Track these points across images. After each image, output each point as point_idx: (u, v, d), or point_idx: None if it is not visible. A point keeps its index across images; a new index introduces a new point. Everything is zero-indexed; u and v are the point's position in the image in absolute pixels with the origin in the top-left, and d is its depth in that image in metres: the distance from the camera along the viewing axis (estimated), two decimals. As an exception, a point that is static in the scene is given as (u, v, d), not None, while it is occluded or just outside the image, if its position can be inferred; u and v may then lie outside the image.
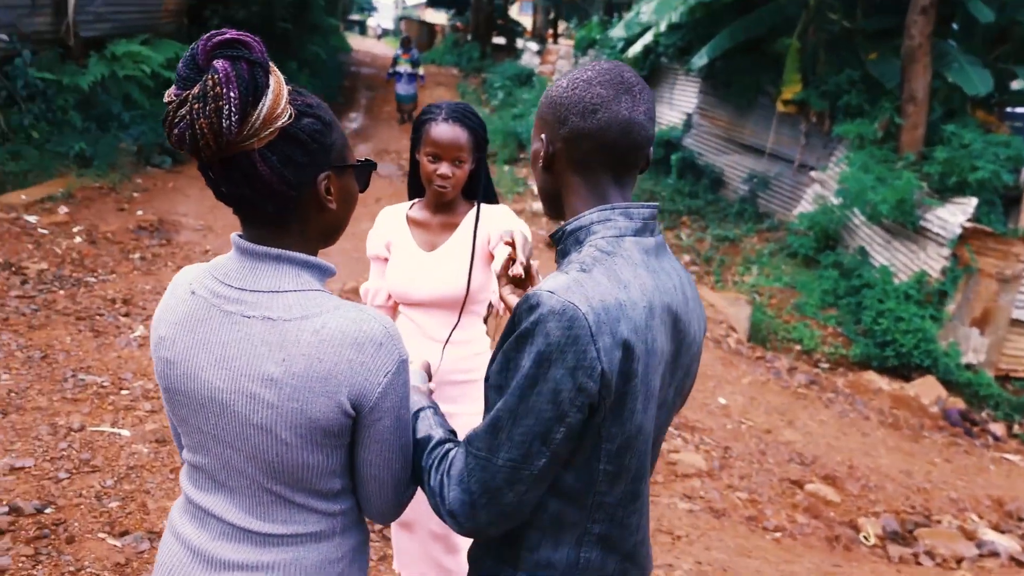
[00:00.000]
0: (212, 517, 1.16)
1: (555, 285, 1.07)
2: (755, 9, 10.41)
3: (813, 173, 10.08)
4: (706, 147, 11.85)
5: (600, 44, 13.63)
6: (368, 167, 1.22)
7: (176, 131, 1.00)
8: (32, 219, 6.72)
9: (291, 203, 1.10)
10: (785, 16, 10.24)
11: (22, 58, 7.91)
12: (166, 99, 1.02)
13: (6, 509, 2.99)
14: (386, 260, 2.21)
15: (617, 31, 11.17)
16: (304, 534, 1.16)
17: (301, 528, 1.15)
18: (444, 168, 2.04)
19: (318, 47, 14.02)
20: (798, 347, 7.77)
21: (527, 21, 32.64)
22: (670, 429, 5.20)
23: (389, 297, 2.24)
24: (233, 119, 0.98)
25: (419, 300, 2.14)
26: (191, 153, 1.02)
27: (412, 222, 2.18)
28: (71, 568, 2.75)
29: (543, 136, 1.21)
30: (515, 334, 1.08)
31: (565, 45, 18.30)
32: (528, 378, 1.05)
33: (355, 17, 54.95)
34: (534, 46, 22.89)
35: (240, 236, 1.13)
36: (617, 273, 1.10)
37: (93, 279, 5.74)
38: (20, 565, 2.74)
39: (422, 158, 2.07)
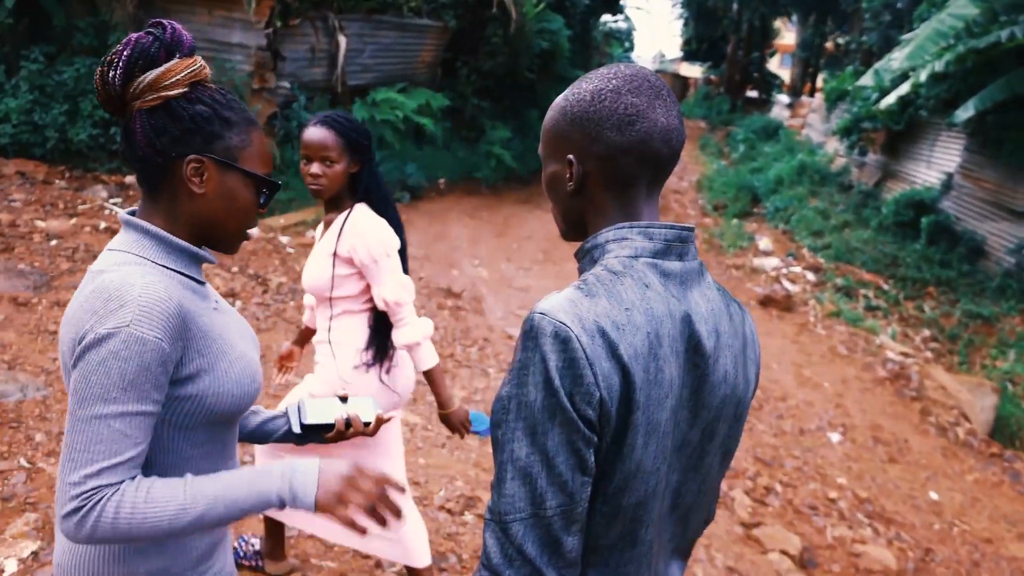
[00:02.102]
0: None
1: (548, 306, 1.00)
2: (1041, 57, 9.10)
3: (1103, 248, 8.50)
4: (966, 211, 10.50)
5: (852, 95, 12.72)
6: (264, 183, 1.25)
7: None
8: (284, 239, 7.75)
9: (159, 173, 1.19)
10: (1081, 66, 8.82)
11: (299, 103, 9.23)
12: None
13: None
14: None
15: (865, 79, 10.32)
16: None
17: None
18: (314, 168, 2.24)
19: (561, 97, 14.65)
20: (1057, 451, 6.52)
21: (787, 75, 31.48)
22: (859, 516, 4.62)
23: None
24: (117, 72, 1.13)
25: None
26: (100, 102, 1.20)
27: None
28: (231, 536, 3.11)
29: (570, 157, 1.10)
30: (516, 368, 1.00)
31: (820, 98, 17.35)
32: (545, 410, 0.96)
33: (614, 71, 56.80)
34: (785, 99, 22.01)
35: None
36: (620, 294, 1.02)
37: (318, 294, 6.47)
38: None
39: (301, 162, 2.30)
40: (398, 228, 2.37)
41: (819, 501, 4.71)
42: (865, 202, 11.85)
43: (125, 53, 1.13)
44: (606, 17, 26.71)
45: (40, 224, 6.41)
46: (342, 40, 9.41)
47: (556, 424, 0.95)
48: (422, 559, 2.61)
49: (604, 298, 1.00)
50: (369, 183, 2.33)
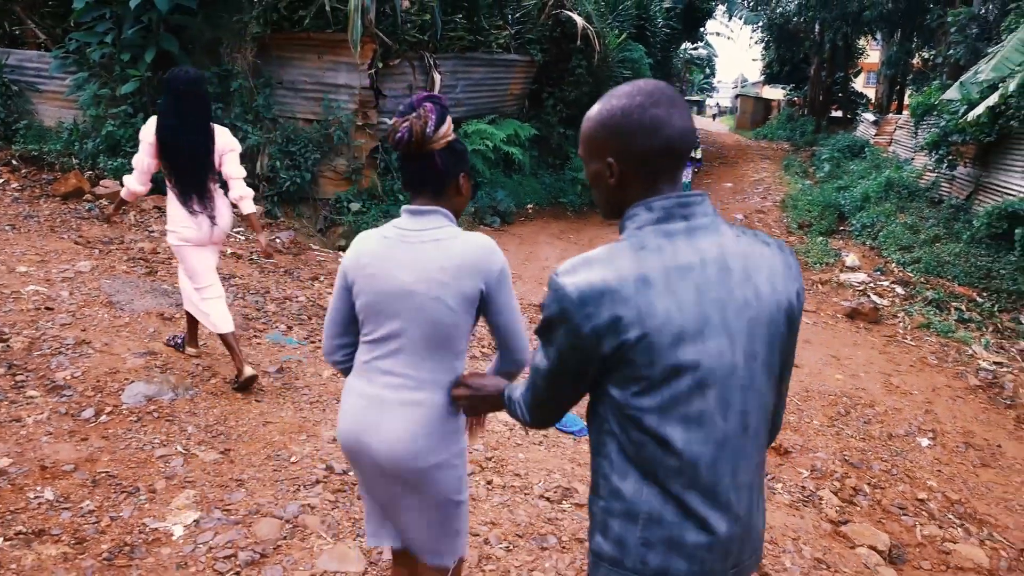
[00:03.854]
0: (382, 372, 1.93)
1: (559, 268, 1.39)
2: None
3: None
4: (1067, 222, 10.18)
5: (939, 109, 12.54)
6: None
7: (399, 134, 1.87)
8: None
9: (447, 184, 1.97)
10: None
11: (397, 136, 9.90)
12: (392, 121, 1.91)
13: (324, 467, 3.91)
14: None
15: (951, 93, 10.23)
16: (440, 381, 1.92)
17: (440, 376, 1.91)
18: None
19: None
20: None
21: (873, 93, 30.81)
22: (950, 517, 4.69)
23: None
24: (430, 127, 1.87)
25: None
26: (403, 148, 1.89)
27: None
28: (356, 516, 3.48)
29: (610, 160, 1.42)
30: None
31: (907, 114, 17.06)
32: (542, 334, 1.44)
33: (695, 97, 56.65)
34: (870, 117, 21.61)
35: (408, 206, 1.98)
36: (613, 257, 1.36)
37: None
38: (323, 506, 3.57)
39: None
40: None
41: (908, 502, 4.80)
42: (956, 216, 11.65)
43: (433, 116, 1.87)
44: (686, 45, 26.93)
45: (178, 250, 7.18)
46: (437, 77, 10.06)
47: (553, 347, 1.43)
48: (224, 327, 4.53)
49: (599, 262, 1.36)
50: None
